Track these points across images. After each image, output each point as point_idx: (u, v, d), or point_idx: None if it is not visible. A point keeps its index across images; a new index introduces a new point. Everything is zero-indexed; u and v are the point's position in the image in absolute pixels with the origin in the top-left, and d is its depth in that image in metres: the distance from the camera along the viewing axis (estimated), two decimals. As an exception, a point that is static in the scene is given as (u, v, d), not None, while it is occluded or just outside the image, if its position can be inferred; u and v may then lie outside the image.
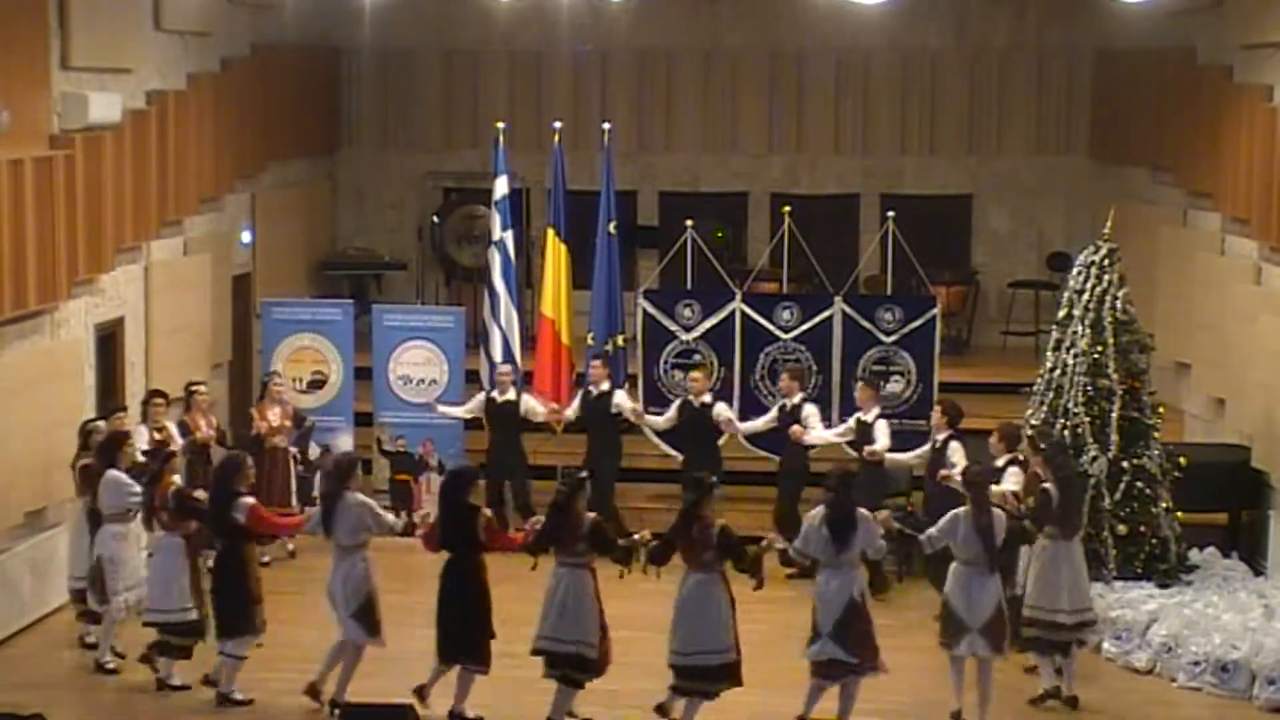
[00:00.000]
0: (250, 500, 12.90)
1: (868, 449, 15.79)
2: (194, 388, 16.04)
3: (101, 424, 14.34)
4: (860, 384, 16.54)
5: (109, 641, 13.60)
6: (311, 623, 13.53)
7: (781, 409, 16.66)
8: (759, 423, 16.89)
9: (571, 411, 17.19)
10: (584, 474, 12.71)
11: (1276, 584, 15.16)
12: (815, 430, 16.47)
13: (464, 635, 12.49)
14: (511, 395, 17.08)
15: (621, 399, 17.04)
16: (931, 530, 12.83)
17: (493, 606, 12.59)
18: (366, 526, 12.78)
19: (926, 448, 15.67)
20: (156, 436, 14.99)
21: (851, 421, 16.25)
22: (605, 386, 17.00)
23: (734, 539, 12.20)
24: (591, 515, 12.50)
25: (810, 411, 16.57)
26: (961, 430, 15.41)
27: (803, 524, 12.69)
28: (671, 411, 16.97)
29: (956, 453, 15.03)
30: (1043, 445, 13.70)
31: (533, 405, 17.15)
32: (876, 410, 16.13)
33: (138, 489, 13.35)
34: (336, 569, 12.77)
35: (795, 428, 16.40)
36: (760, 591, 12.41)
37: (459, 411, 17.39)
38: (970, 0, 22.57)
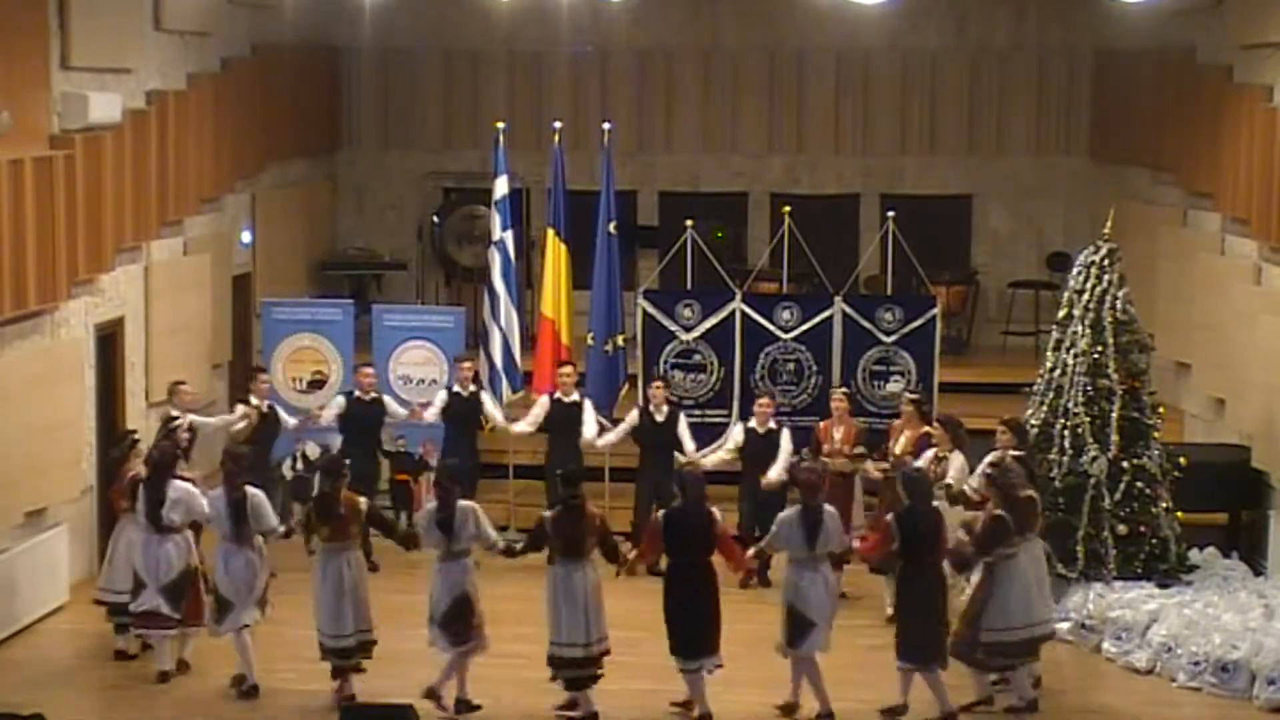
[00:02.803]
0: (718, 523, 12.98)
1: (587, 438, 16.70)
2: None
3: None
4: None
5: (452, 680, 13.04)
6: (301, 622, 13.39)
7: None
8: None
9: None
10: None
11: (1276, 584, 15.16)
12: (516, 423, 17.13)
13: (928, 639, 12.65)
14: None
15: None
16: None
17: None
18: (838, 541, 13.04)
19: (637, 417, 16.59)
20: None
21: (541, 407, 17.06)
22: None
23: None
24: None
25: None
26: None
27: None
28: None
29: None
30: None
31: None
32: (576, 395, 16.92)
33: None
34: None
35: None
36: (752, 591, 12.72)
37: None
38: (970, 0, 22.57)
